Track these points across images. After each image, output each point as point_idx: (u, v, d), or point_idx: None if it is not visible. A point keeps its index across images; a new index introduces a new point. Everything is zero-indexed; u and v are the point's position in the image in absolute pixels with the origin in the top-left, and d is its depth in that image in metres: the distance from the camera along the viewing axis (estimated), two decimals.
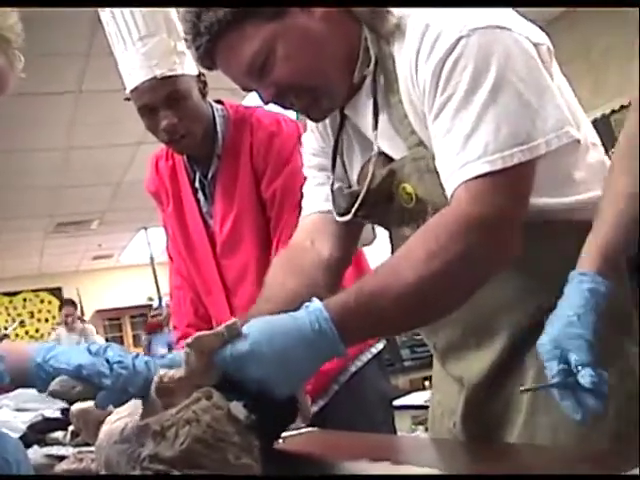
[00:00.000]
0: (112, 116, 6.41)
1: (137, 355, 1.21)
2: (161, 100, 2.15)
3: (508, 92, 1.21)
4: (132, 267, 13.92)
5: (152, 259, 10.36)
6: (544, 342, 1.13)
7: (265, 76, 1.37)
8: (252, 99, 5.68)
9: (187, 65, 2.19)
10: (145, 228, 10.59)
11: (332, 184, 1.57)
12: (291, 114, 2.17)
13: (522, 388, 1.19)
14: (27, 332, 13.66)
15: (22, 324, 13.36)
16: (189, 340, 1.14)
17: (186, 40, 1.40)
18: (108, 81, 5.00)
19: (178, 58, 2.16)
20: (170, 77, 2.15)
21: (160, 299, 10.17)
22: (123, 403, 1.20)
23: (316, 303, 1.17)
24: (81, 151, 7.44)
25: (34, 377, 1.17)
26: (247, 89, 1.44)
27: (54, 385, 1.14)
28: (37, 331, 13.78)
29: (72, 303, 10.24)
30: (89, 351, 1.18)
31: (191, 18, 1.37)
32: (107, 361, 1.16)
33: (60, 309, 10.41)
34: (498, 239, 1.22)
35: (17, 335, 13.40)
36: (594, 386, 1.06)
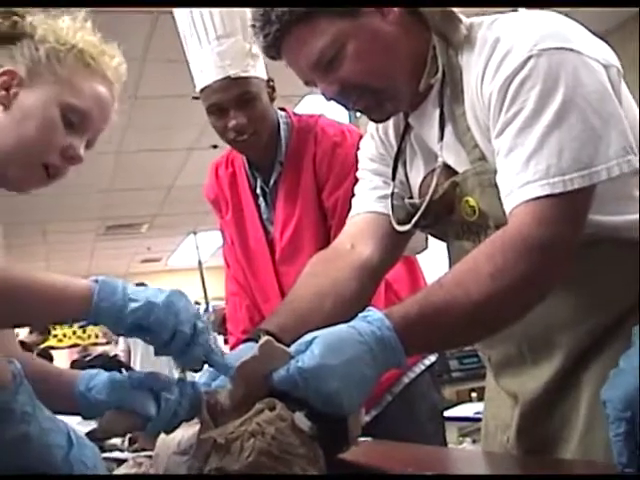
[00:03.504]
0: (165, 121, 6.46)
1: (180, 379, 1.21)
2: (232, 100, 2.17)
3: (574, 115, 1.20)
4: (180, 271, 13.99)
5: (200, 263, 10.39)
6: (614, 399, 1.11)
7: (331, 72, 1.37)
8: (305, 107, 5.68)
9: (259, 68, 2.21)
10: (194, 232, 10.64)
11: (392, 193, 1.56)
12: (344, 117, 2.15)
13: None
14: (74, 332, 13.81)
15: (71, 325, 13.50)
16: (232, 373, 1.14)
17: (254, 26, 1.39)
18: (163, 87, 5.07)
19: (252, 60, 2.17)
20: (243, 78, 2.17)
21: (207, 303, 10.18)
22: (174, 428, 1.19)
23: (375, 313, 1.16)
24: (133, 155, 7.49)
25: (78, 405, 1.17)
26: (309, 84, 1.43)
27: (102, 423, 1.14)
28: (84, 331, 13.91)
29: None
30: (130, 382, 1.17)
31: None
32: (152, 389, 1.16)
33: None
34: (555, 262, 1.21)
35: (65, 335, 13.57)
36: None
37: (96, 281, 1.10)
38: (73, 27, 1.40)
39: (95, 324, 1.12)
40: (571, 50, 1.24)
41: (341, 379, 1.09)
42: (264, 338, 1.13)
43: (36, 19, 1.39)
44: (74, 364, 6.71)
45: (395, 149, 1.60)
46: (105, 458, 1.55)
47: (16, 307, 1.07)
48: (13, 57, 1.36)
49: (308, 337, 1.14)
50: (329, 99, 1.42)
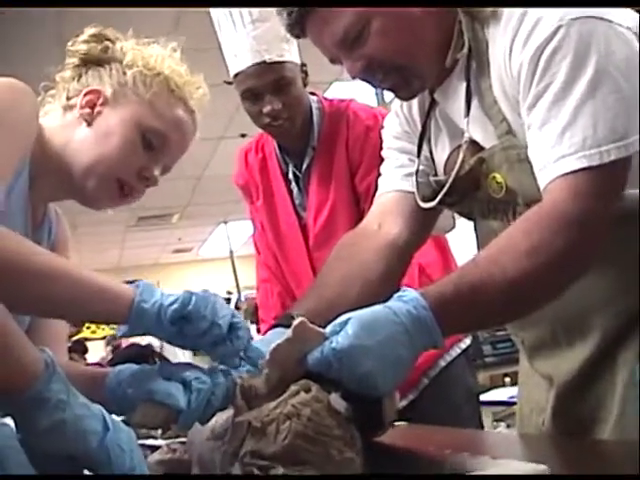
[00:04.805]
0: None
1: (213, 368, 1.19)
2: (267, 85, 2.17)
3: (607, 85, 1.18)
4: (211, 260, 14.04)
5: (232, 252, 10.42)
6: None
7: (357, 49, 1.35)
8: (334, 92, 5.67)
9: (294, 53, 2.20)
10: (225, 222, 10.67)
11: (417, 170, 1.55)
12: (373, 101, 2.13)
13: None
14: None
15: None
16: (267, 357, 1.12)
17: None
18: None
19: (287, 45, 2.16)
20: (278, 63, 2.16)
21: (239, 293, 10.22)
22: (209, 419, 1.17)
23: (411, 292, 1.14)
24: None
25: (110, 402, 1.16)
26: (335, 62, 1.41)
27: (136, 416, 1.13)
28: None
29: None
30: (160, 374, 1.16)
31: None
32: (183, 380, 1.15)
33: None
34: (593, 238, 1.19)
35: (98, 326, 13.65)
36: None
37: (137, 286, 1.14)
38: (162, 55, 1.47)
39: (133, 331, 1.14)
40: (601, 18, 1.21)
41: (375, 359, 1.07)
42: (298, 319, 1.11)
43: (126, 45, 1.47)
44: (111, 362, 6.80)
45: (419, 126, 1.58)
46: (140, 445, 1.55)
47: (63, 298, 1.09)
48: (101, 78, 1.44)
49: (343, 317, 1.12)
50: (354, 77, 1.40)
